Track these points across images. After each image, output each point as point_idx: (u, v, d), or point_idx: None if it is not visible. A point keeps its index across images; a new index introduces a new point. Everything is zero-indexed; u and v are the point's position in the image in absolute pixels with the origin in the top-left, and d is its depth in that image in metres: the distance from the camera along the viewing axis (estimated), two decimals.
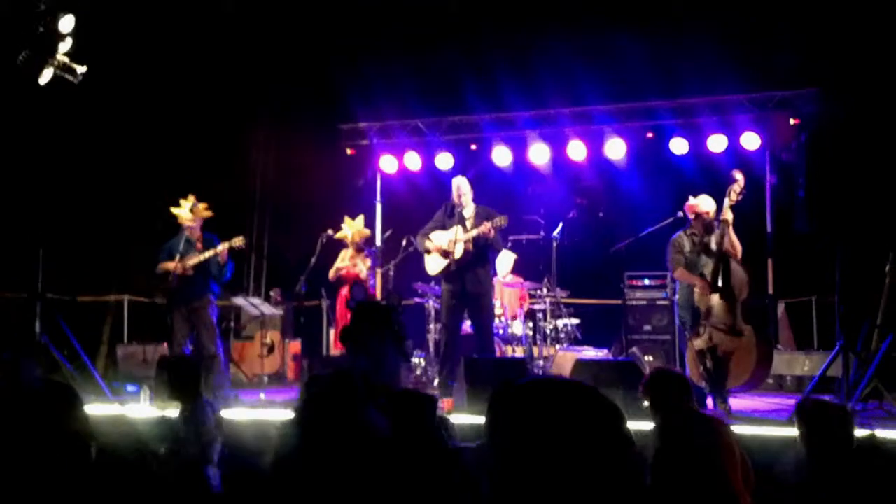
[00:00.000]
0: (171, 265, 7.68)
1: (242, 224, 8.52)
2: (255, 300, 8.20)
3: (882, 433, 5.20)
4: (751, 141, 9.90)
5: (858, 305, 6.81)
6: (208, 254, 7.68)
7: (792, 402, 7.00)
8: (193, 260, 7.69)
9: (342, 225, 8.79)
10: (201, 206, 7.92)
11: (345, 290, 8.69)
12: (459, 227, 7.74)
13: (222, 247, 7.66)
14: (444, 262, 7.77)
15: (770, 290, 9.66)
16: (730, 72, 9.49)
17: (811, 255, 9.24)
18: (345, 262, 8.71)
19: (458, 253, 7.67)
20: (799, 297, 9.79)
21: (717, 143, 10.04)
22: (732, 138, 10.00)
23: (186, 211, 7.83)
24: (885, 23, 8.06)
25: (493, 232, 7.56)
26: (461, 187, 7.90)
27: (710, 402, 6.58)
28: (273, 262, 8.42)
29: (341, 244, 8.88)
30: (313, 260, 8.55)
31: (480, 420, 5.31)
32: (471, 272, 7.73)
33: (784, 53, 9.14)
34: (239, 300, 7.84)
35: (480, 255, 7.78)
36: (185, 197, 7.90)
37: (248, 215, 10.63)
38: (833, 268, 6.73)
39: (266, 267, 10.82)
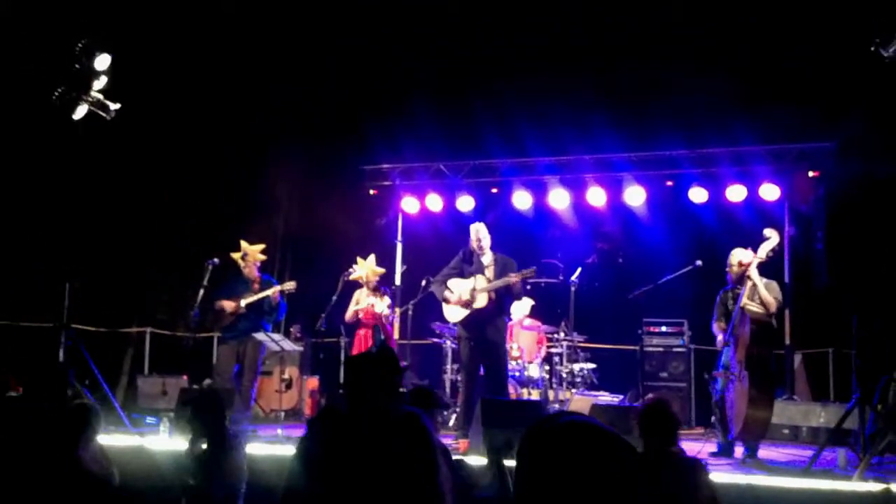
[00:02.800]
0: (228, 304, 8.10)
1: (267, 262, 8.72)
2: (276, 336, 8.32)
3: None
4: (769, 192, 9.99)
5: (875, 358, 6.84)
6: (262, 294, 8.07)
7: (808, 453, 7.06)
8: (249, 300, 8.09)
9: (354, 266, 8.86)
10: (257, 248, 8.22)
11: (362, 332, 8.71)
12: (481, 276, 7.81)
13: (274, 290, 8.07)
14: (464, 312, 7.80)
15: (787, 341, 9.68)
16: (750, 123, 9.62)
17: (829, 307, 9.29)
18: (361, 303, 8.76)
19: (482, 303, 7.72)
20: (816, 348, 9.81)
21: (736, 193, 10.14)
22: (751, 189, 10.09)
23: (254, 252, 8.31)
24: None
25: (519, 283, 7.65)
26: (480, 232, 7.93)
27: (738, 451, 6.64)
28: (294, 300, 8.55)
29: (358, 284, 8.93)
30: (334, 298, 8.65)
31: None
32: (489, 320, 7.77)
33: (804, 107, 9.27)
34: (259, 335, 7.99)
35: (500, 303, 7.85)
36: (237, 242, 8.34)
37: (273, 253, 10.80)
38: (850, 321, 6.77)
39: (287, 304, 10.94)
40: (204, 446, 4.73)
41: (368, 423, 2.93)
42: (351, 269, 8.83)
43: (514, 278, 7.58)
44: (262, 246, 8.43)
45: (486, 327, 7.74)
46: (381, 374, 3.10)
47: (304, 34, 10.15)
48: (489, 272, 7.84)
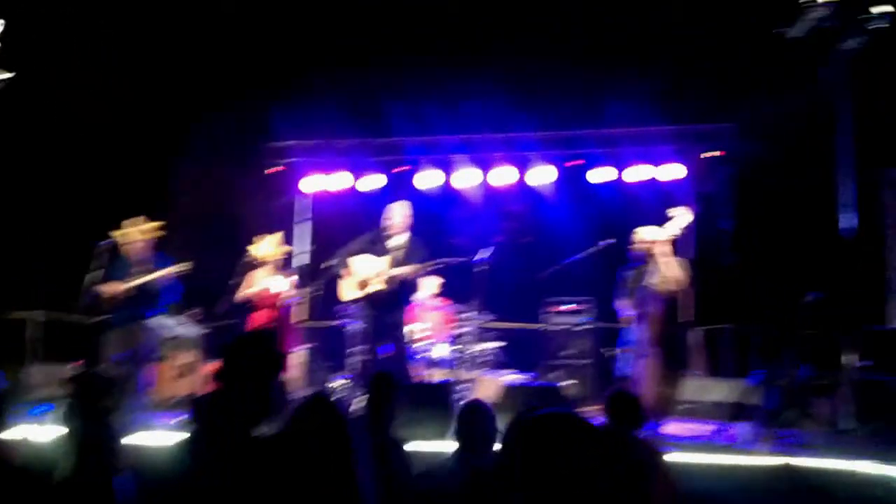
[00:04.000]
0: (107, 288, 7.54)
1: (167, 241, 8.33)
2: (172, 320, 7.99)
3: (797, 461, 5.37)
4: (673, 172, 10.19)
5: (777, 335, 7.04)
6: (149, 277, 7.57)
7: (708, 427, 7.24)
8: (134, 282, 7.56)
9: (255, 244, 8.58)
10: (141, 227, 7.75)
11: (258, 314, 8.40)
12: (388, 259, 7.72)
13: (166, 271, 7.59)
14: (359, 293, 7.75)
15: (692, 318, 9.90)
16: (653, 104, 9.75)
17: (727, 284, 9.54)
18: (256, 284, 8.40)
19: (378, 286, 7.66)
20: (715, 324, 10.06)
21: (639, 173, 10.30)
22: (655, 169, 10.27)
23: (136, 231, 7.67)
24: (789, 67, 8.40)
25: (418, 275, 7.61)
26: (391, 212, 7.85)
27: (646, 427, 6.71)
28: (195, 282, 8.22)
29: (258, 264, 8.63)
30: (237, 279, 8.35)
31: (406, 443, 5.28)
32: (386, 304, 7.73)
33: (705, 89, 9.45)
34: (153, 320, 7.66)
35: (400, 288, 7.79)
36: (121, 219, 7.74)
37: (172, 233, 10.36)
38: (751, 297, 6.96)
39: (184, 287, 10.54)
40: (80, 433, 4.48)
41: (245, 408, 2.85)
42: (253, 248, 8.53)
43: (408, 270, 7.53)
44: (150, 225, 7.84)
45: (383, 310, 7.69)
46: (251, 358, 2.98)
47: (202, 6, 9.74)
48: (398, 255, 7.76)
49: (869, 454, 5.34)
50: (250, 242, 8.61)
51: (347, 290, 7.85)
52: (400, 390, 6.31)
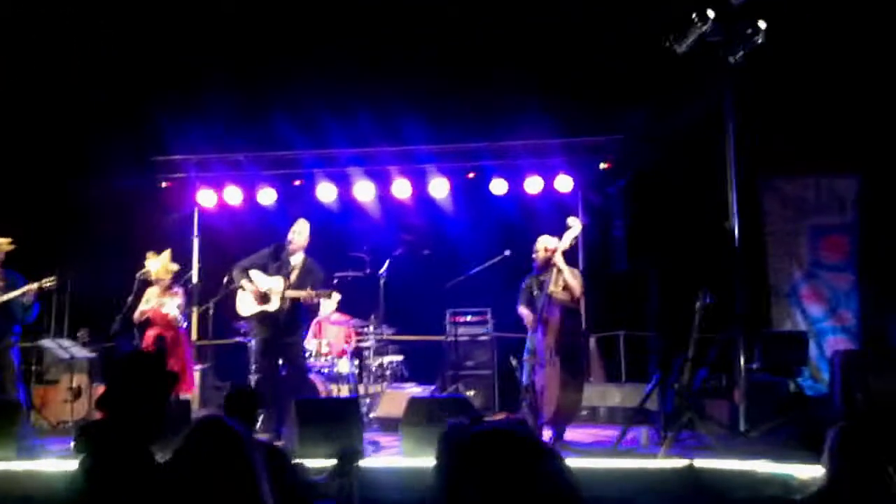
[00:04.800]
0: None
1: (47, 262, 7.92)
2: (65, 342, 7.62)
3: (698, 462, 5.53)
4: (565, 183, 10.40)
5: (671, 340, 7.26)
6: (13, 294, 7.11)
7: (608, 432, 7.40)
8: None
9: (145, 262, 8.30)
10: (3, 241, 7.32)
11: (151, 332, 8.15)
12: (282, 279, 7.60)
13: (30, 287, 7.13)
14: (257, 308, 7.61)
15: (586, 326, 10.12)
16: (545, 117, 9.93)
17: (621, 292, 9.79)
18: (150, 302, 8.18)
19: (275, 307, 7.56)
20: (608, 332, 10.30)
21: (534, 184, 10.47)
22: (548, 181, 10.46)
23: None
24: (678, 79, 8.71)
25: (315, 300, 7.53)
26: (295, 229, 7.78)
27: (546, 433, 6.79)
28: (83, 302, 7.88)
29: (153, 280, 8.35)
30: (130, 298, 8.04)
31: (316, 461, 5.19)
32: (283, 322, 7.62)
33: (596, 100, 9.70)
34: (46, 342, 7.27)
35: (295, 308, 7.69)
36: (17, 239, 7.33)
37: (52, 252, 9.88)
38: (644, 304, 7.15)
39: (70, 306, 10.07)
40: None
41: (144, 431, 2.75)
42: (144, 267, 8.26)
43: (303, 294, 7.47)
44: (4, 240, 7.52)
45: (280, 329, 7.58)
46: (138, 380, 2.87)
47: (92, 14, 9.37)
48: (293, 275, 7.66)
49: (764, 454, 5.54)
50: (141, 260, 8.33)
51: (245, 304, 7.69)
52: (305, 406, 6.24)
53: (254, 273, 7.69)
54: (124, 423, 2.81)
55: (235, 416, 4.00)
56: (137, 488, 2.66)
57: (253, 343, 8.52)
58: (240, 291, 7.71)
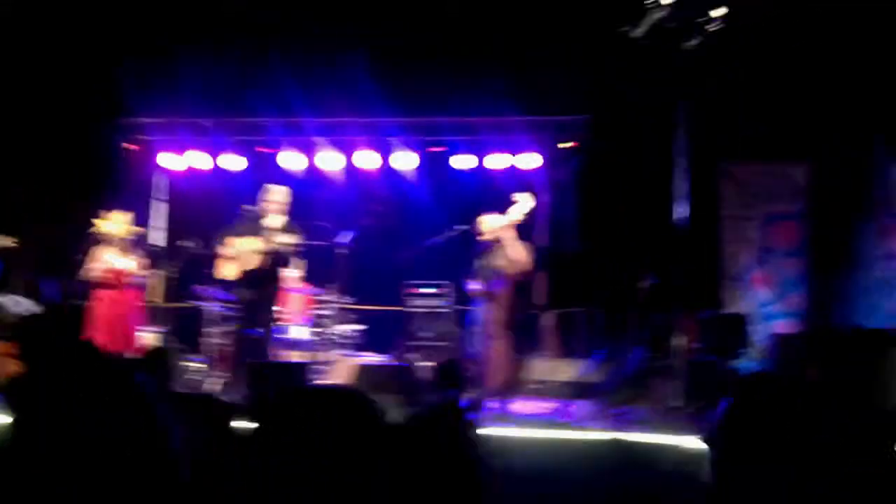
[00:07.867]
0: None
1: (12, 223, 7.96)
2: (23, 299, 7.68)
3: (624, 435, 5.74)
4: (530, 161, 10.52)
5: (616, 318, 7.44)
6: None
7: (551, 405, 7.60)
8: None
9: (102, 220, 8.30)
10: None
11: (105, 293, 8.17)
12: (259, 238, 7.73)
13: None
14: (234, 270, 7.79)
15: (544, 301, 10.27)
16: (512, 95, 10.00)
17: (579, 269, 9.95)
18: (101, 261, 8.19)
19: (252, 264, 7.66)
20: (568, 307, 10.45)
21: (499, 161, 10.58)
22: (513, 158, 10.57)
23: None
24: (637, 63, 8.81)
25: (291, 248, 7.72)
26: (267, 195, 7.99)
27: (492, 405, 6.97)
28: (40, 262, 7.93)
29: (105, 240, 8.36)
30: (82, 256, 8.09)
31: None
32: (263, 279, 7.76)
33: (560, 80, 9.79)
34: (1, 298, 7.34)
35: (271, 269, 7.83)
36: None
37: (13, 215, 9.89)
38: (597, 282, 7.32)
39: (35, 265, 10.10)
40: None
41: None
42: (99, 223, 8.27)
43: (287, 239, 7.62)
44: None
45: (258, 287, 7.72)
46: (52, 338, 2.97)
47: None
48: (274, 235, 7.84)
49: (694, 430, 5.74)
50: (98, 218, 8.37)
51: (225, 269, 7.87)
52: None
53: (237, 239, 7.91)
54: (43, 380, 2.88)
55: None
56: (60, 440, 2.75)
57: (208, 308, 8.68)
58: (220, 258, 7.88)
